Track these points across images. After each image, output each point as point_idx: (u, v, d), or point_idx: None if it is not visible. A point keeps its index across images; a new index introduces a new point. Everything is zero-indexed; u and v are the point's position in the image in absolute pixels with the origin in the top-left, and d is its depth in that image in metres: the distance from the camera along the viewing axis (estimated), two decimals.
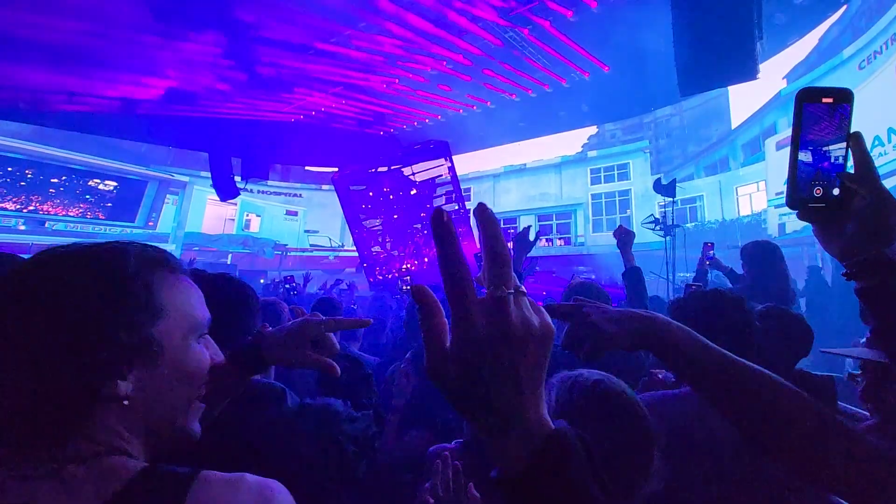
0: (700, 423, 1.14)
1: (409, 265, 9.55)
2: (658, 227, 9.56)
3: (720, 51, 4.78)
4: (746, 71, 4.77)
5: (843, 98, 0.71)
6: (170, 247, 17.77)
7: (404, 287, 3.59)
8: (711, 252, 3.63)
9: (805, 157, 0.71)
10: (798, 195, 0.72)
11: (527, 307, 0.38)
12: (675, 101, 18.63)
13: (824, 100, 0.71)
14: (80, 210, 16.19)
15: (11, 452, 0.51)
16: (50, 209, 15.55)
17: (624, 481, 0.90)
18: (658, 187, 9.57)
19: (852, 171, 0.71)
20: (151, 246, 0.64)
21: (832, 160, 0.71)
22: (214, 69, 7.61)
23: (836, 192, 0.72)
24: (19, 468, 0.50)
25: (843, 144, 0.71)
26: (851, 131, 0.71)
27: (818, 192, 0.72)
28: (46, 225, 15.43)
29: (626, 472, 0.90)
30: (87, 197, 16.30)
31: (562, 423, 0.38)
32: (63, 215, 15.79)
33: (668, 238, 9.13)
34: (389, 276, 9.63)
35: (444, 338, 0.38)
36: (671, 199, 9.33)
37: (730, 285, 3.50)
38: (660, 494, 0.96)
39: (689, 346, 0.73)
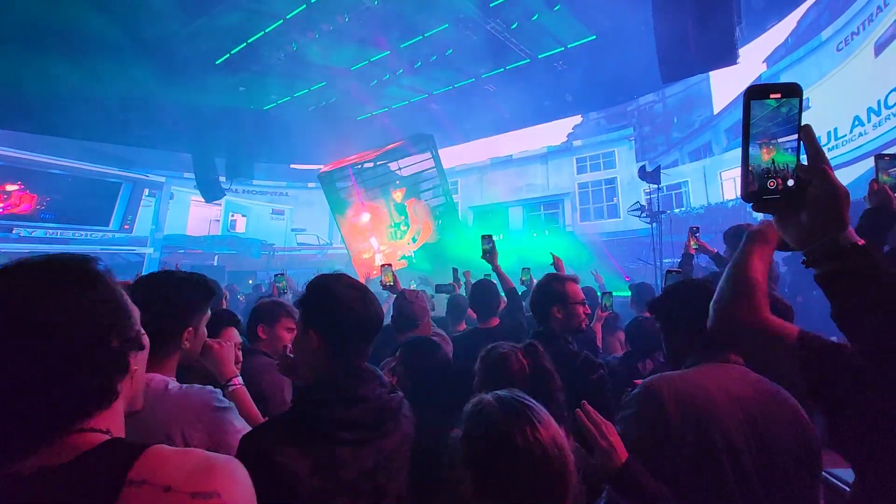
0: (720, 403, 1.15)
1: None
2: (644, 214, 9.63)
3: (700, 37, 4.79)
4: (726, 56, 4.80)
5: (791, 93, 0.73)
6: (148, 250, 17.45)
7: (386, 283, 3.51)
8: (697, 234, 3.67)
9: (757, 152, 0.74)
10: (752, 189, 0.75)
11: None
12: (657, 89, 18.72)
13: (772, 95, 0.73)
14: (51, 215, 15.48)
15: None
16: (20, 214, 14.88)
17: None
18: (643, 174, 9.62)
19: (805, 164, 0.74)
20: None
21: (785, 153, 0.74)
22: None
23: (790, 183, 0.74)
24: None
25: (795, 137, 0.73)
26: (802, 124, 0.73)
27: (772, 184, 0.74)
28: (14, 231, 14.67)
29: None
30: (57, 201, 15.55)
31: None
32: (34, 222, 15.08)
33: (654, 224, 9.20)
34: (375, 273, 9.62)
35: None
36: (656, 185, 9.40)
37: (716, 269, 3.54)
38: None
39: None
